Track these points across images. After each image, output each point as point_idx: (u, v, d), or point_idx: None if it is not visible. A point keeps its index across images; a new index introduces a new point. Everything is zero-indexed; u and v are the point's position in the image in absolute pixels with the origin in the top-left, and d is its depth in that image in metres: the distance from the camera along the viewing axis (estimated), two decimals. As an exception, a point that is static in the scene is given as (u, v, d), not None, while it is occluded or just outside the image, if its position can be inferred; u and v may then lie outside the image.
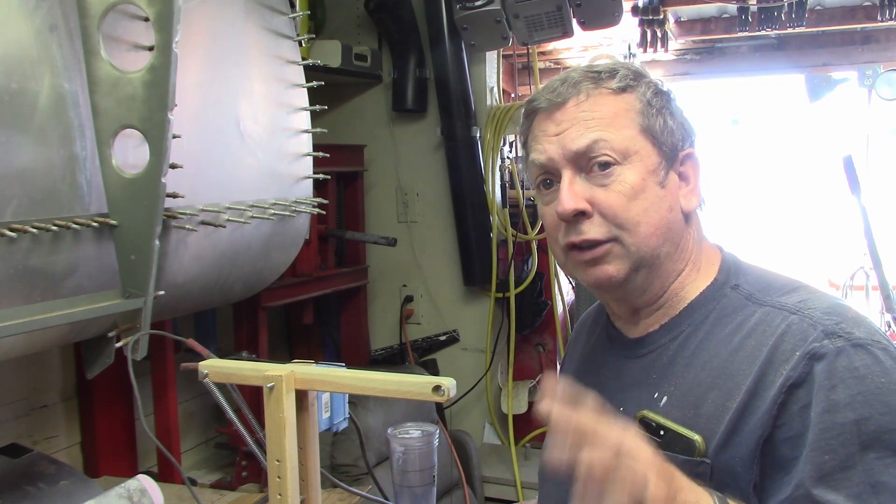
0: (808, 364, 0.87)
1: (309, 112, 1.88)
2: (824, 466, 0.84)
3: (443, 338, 2.95)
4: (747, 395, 0.90)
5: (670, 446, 0.93)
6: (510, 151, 3.00)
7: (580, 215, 0.98)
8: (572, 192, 0.98)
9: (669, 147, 1.00)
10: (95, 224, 1.28)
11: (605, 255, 0.99)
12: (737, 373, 0.92)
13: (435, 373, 2.90)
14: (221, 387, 1.10)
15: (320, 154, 1.90)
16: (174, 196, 1.38)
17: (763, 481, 0.89)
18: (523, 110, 1.06)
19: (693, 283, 1.03)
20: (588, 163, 0.98)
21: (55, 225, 1.21)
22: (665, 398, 0.97)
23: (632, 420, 0.99)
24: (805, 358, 0.88)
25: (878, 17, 2.93)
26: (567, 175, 0.99)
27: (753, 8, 3.06)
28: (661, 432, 0.95)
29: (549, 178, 1.02)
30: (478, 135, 2.78)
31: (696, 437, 0.92)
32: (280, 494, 0.98)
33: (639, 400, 1.00)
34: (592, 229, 0.98)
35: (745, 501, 0.89)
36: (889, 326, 3.68)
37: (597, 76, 1.01)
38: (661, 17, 3.24)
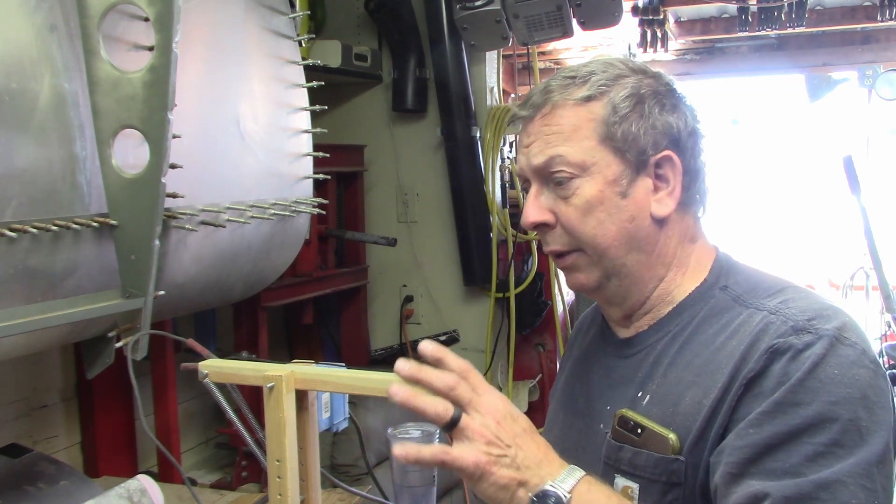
0: (769, 357, 0.88)
1: (309, 112, 1.88)
2: (757, 445, 0.85)
3: (443, 338, 2.94)
4: (721, 391, 0.91)
5: (646, 444, 0.95)
6: (510, 151, 2.99)
7: (544, 226, 1.02)
8: (536, 205, 1.02)
9: (636, 153, 0.98)
10: (95, 224, 1.28)
11: (574, 265, 1.02)
12: (716, 371, 0.93)
13: (435, 373, 2.89)
14: (221, 387, 1.10)
15: (320, 154, 1.90)
16: (174, 196, 1.38)
17: None
18: (508, 117, 1.09)
19: (680, 286, 1.03)
20: (549, 177, 1.00)
21: (55, 225, 1.21)
22: (648, 397, 0.98)
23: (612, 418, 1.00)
24: (768, 352, 0.88)
25: (878, 17, 2.94)
26: (534, 188, 1.02)
27: (753, 8, 3.06)
28: (639, 430, 0.96)
29: (527, 187, 1.05)
30: (478, 135, 2.78)
31: (671, 436, 0.93)
32: (280, 494, 0.98)
33: (624, 398, 1.01)
34: (556, 240, 1.02)
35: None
36: (889, 326, 3.68)
37: (569, 83, 1.01)
38: (661, 17, 3.24)
